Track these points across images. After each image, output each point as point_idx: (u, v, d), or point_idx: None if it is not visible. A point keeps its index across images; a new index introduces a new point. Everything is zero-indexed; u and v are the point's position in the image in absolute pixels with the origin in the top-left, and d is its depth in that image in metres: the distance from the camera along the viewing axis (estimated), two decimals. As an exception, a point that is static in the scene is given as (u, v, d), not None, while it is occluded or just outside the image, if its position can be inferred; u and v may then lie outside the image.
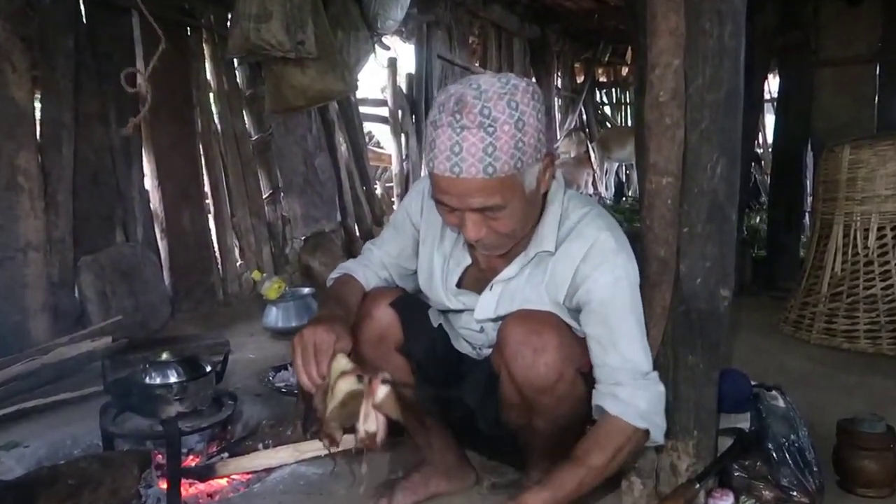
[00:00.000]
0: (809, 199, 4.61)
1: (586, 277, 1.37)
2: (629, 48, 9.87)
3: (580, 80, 9.79)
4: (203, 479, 1.95)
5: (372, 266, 1.64)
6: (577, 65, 9.81)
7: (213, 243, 3.99)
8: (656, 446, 1.48)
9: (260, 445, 2.08)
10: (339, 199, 4.69)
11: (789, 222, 4.19)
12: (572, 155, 8.92)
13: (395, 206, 5.48)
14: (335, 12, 3.74)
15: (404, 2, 4.24)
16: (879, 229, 2.85)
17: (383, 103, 5.49)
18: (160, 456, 1.97)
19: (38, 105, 3.08)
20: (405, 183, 5.43)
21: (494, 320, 1.49)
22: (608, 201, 8.39)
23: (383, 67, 5.34)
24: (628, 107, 10.49)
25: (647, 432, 1.34)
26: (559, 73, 9.00)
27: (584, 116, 9.77)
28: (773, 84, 6.44)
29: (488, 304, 1.49)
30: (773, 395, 1.69)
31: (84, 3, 3.26)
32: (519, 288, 1.46)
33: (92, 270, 3.16)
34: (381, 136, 6.51)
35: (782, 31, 4.00)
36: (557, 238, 1.41)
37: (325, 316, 1.37)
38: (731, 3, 1.47)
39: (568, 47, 9.16)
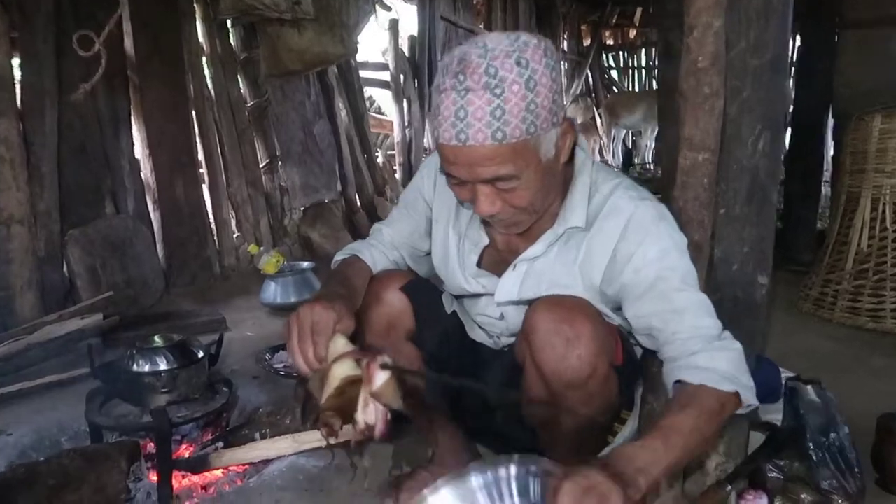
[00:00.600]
0: (828, 170, 4.44)
1: (631, 256, 1.23)
2: (638, 9, 9.58)
3: (587, 43, 9.52)
4: (196, 472, 1.83)
5: (381, 246, 1.51)
6: (583, 27, 9.53)
7: (208, 215, 3.84)
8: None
9: (257, 435, 1.96)
10: (339, 168, 4.52)
11: (807, 193, 4.03)
12: (578, 121, 8.71)
13: (397, 175, 5.31)
14: (333, -30, 3.52)
15: (406, -41, 4.01)
16: (910, 203, 2.70)
17: (384, 67, 5.28)
18: (150, 447, 1.85)
19: (17, 71, 2.90)
20: (408, 151, 5.26)
21: (517, 304, 1.36)
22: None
23: (384, 29, 5.13)
24: (636, 71, 10.22)
25: (736, 395, 1.14)
26: (565, 36, 8.74)
27: (591, 81, 9.51)
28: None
29: (511, 285, 1.35)
30: (811, 388, 1.55)
31: (65, -41, 3.06)
32: (547, 268, 1.32)
33: (80, 244, 3.02)
34: (383, 102, 6.29)
35: (804, -10, 3.78)
36: (588, 213, 1.27)
37: (325, 294, 1.25)
38: (781, -45, 1.30)
39: (574, 9, 8.88)
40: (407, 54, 5.38)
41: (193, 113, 3.74)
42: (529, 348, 1.29)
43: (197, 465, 1.84)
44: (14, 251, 2.76)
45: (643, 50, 10.18)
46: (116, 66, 3.16)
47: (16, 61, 2.88)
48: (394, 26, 5.15)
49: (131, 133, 3.44)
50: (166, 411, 1.76)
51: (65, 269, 3.02)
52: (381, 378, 1.04)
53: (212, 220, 3.87)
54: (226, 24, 3.90)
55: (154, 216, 3.56)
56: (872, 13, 3.67)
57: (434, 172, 1.46)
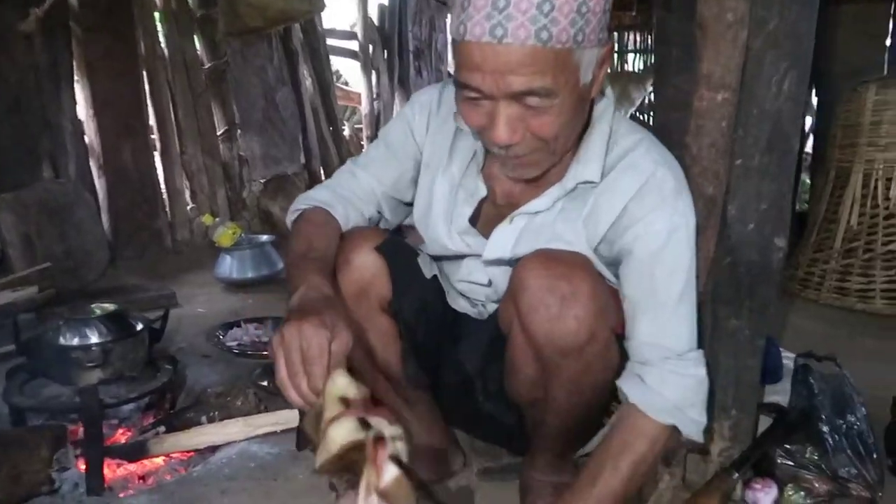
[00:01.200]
0: (809, 145, 4.35)
1: (637, 220, 1.07)
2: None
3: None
4: (133, 459, 1.61)
5: (356, 200, 1.26)
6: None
7: (159, 184, 3.58)
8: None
9: (204, 418, 1.74)
10: (302, 139, 4.26)
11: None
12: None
13: (364, 149, 5.08)
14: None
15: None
16: (903, 179, 2.58)
17: (352, 36, 5.04)
18: (80, 432, 1.62)
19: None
20: (376, 124, 5.02)
21: (508, 263, 1.16)
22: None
23: (353, -3, 4.88)
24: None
25: (675, 427, 1.07)
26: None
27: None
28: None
29: (504, 240, 1.15)
30: (825, 366, 1.40)
31: None
32: (547, 224, 1.13)
33: (13, 210, 2.73)
34: (349, 74, 6.04)
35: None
36: (604, 166, 1.09)
37: (311, 301, 0.96)
38: None
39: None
40: (376, 24, 5.14)
41: (144, 73, 3.46)
42: (517, 310, 1.10)
43: (133, 451, 1.62)
44: (-66, 215, 2.48)
45: (615, 34, 10.05)
46: (56, 14, 2.86)
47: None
48: (363, -6, 4.91)
49: (73, 91, 3.16)
50: (97, 390, 1.54)
51: (-6, 236, 2.74)
52: (389, 474, 0.78)
53: (164, 189, 3.60)
54: (181, -22, 3.62)
55: (99, 183, 3.28)
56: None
57: (428, 110, 1.25)
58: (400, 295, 1.23)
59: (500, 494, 1.40)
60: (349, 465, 0.81)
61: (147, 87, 3.49)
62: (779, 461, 1.35)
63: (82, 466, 1.52)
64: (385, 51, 5.14)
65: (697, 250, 1.20)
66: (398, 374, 1.30)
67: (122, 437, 1.72)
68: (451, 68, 6.30)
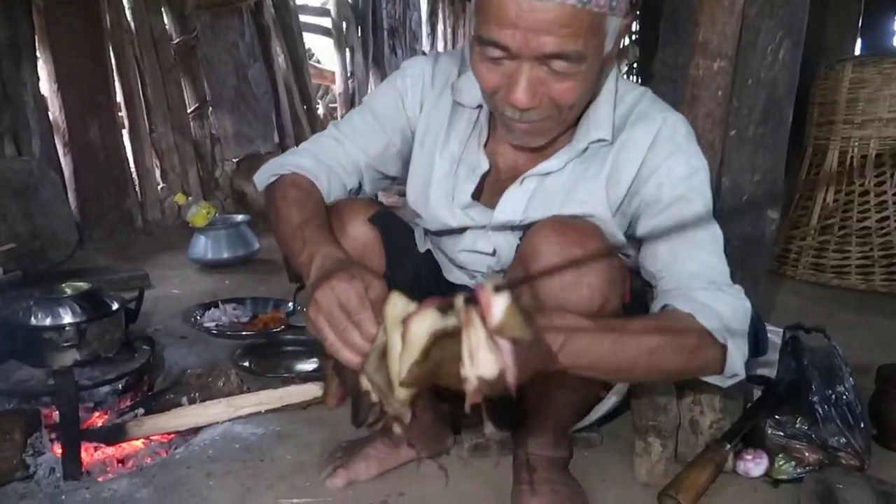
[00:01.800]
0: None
1: (657, 168, 1.05)
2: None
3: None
4: (111, 443, 1.56)
5: (339, 169, 1.21)
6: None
7: (128, 163, 3.47)
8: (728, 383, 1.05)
9: (184, 400, 1.69)
10: (276, 118, 4.17)
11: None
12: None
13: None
14: None
15: None
16: (878, 156, 2.62)
17: (326, 13, 4.93)
18: (56, 415, 1.56)
19: None
20: (350, 103, 4.94)
21: (518, 228, 1.13)
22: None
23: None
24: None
25: (722, 350, 0.96)
26: None
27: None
28: None
29: (516, 202, 1.12)
30: (813, 338, 1.41)
31: None
32: (560, 185, 1.11)
33: (-26, 189, 2.63)
34: (321, 52, 5.92)
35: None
36: (614, 124, 1.07)
37: (329, 263, 0.93)
38: None
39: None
40: (350, 1, 5.04)
41: (110, 47, 3.34)
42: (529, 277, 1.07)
43: (112, 435, 1.57)
44: None
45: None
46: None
47: None
48: (336, -31, 4.80)
49: (35, 65, 3.03)
50: (72, 372, 1.48)
51: (-44, 216, 2.63)
52: (500, 304, 0.70)
53: (133, 168, 3.49)
54: (147, -52, 3.49)
55: (64, 161, 3.17)
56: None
57: (422, 83, 1.20)
58: (393, 267, 1.19)
59: (491, 470, 1.39)
60: (434, 368, 0.75)
61: (114, 62, 3.36)
62: (769, 432, 1.35)
63: (58, 451, 1.46)
64: (359, 28, 5.05)
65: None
66: None
67: (98, 420, 1.67)
68: (426, 47, 6.22)
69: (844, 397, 1.35)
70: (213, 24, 3.73)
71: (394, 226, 1.22)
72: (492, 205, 1.16)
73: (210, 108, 3.82)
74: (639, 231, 1.09)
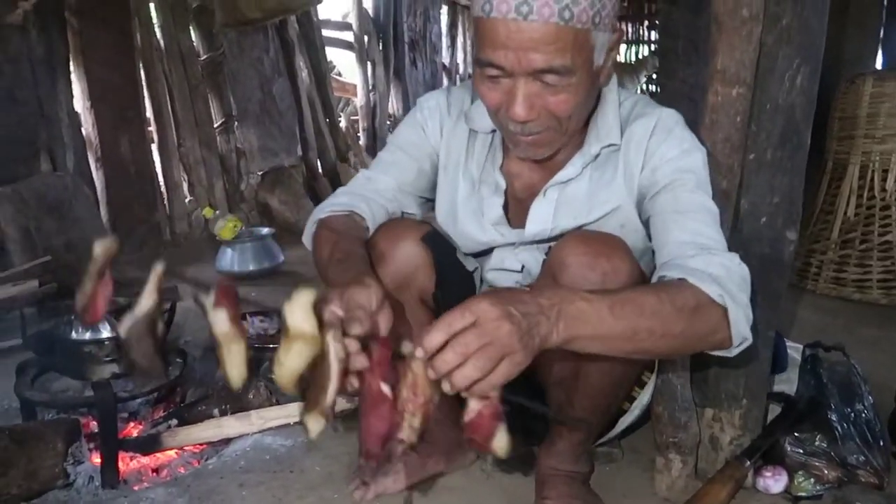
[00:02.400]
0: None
1: (653, 156, 1.13)
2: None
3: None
4: (146, 453, 1.62)
5: (378, 197, 1.26)
6: None
7: (157, 176, 3.55)
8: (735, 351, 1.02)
9: (216, 411, 1.75)
10: (299, 131, 4.25)
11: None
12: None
13: (361, 141, 5.06)
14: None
15: None
16: (899, 171, 2.62)
17: (347, 27, 5.01)
18: (93, 425, 1.62)
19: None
20: (372, 116, 5.01)
21: (548, 240, 1.19)
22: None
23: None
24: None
25: (723, 311, 0.94)
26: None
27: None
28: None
29: (544, 213, 1.19)
30: (832, 356, 1.43)
31: None
32: (581, 191, 1.18)
33: (12, 203, 2.71)
34: (343, 65, 6.01)
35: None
36: (621, 128, 1.16)
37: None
38: None
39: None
40: (371, 15, 5.11)
41: (140, 64, 3.43)
42: None
43: (147, 444, 1.63)
44: (-67, 209, 2.46)
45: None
46: (51, 6, 2.83)
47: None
48: (358, -16, 4.88)
49: (70, 82, 3.12)
50: (110, 384, 1.54)
51: (-6, 230, 2.72)
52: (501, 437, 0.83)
53: (161, 182, 3.57)
54: (177, -32, 3.58)
55: (97, 176, 3.26)
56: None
57: (439, 113, 1.28)
58: (443, 288, 1.23)
59: (514, 483, 1.42)
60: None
61: (143, 78, 3.45)
62: (789, 449, 1.37)
63: (96, 460, 1.52)
64: (380, 42, 5.12)
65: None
66: None
67: (133, 430, 1.73)
68: (446, 60, 6.28)
69: (864, 415, 1.37)
70: (240, 41, 3.81)
71: (444, 245, 1.27)
72: (515, 224, 1.22)
73: (236, 123, 3.90)
74: (643, 216, 1.15)
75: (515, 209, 1.23)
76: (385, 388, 0.84)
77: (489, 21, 0.97)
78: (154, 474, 1.60)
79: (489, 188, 1.24)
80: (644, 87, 7.82)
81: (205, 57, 3.76)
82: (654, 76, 6.90)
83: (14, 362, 1.74)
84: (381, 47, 5.11)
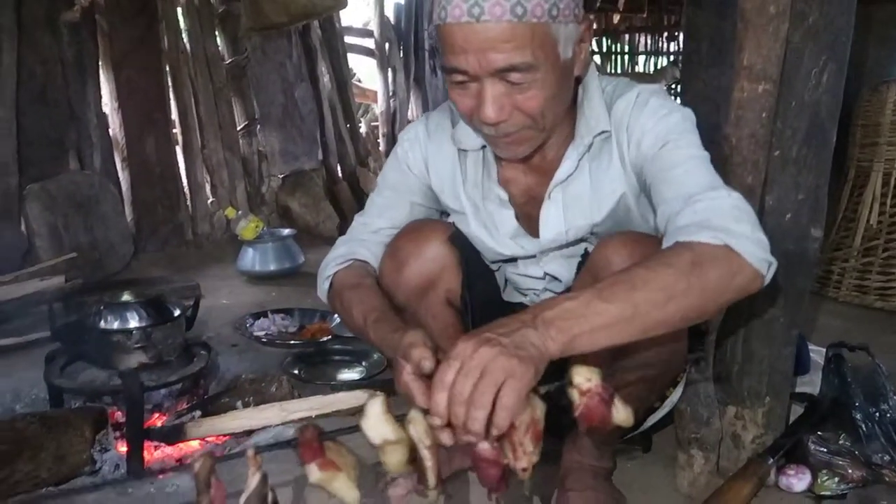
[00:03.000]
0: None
1: (634, 130, 1.12)
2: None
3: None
4: (171, 442, 1.64)
5: (373, 238, 1.28)
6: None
7: (181, 177, 3.60)
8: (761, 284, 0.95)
9: (239, 403, 1.77)
10: (320, 136, 4.29)
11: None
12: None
13: (381, 146, 5.10)
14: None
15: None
16: (923, 178, 2.60)
17: (368, 34, 5.06)
18: (119, 414, 1.65)
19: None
20: (392, 121, 5.04)
21: (565, 245, 1.19)
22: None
23: (368, -2, 4.90)
24: (619, 56, 10.12)
25: (726, 250, 0.90)
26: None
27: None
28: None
29: (554, 216, 1.19)
30: (857, 356, 1.43)
31: None
32: (583, 187, 1.17)
33: (41, 200, 2.77)
34: (363, 72, 6.06)
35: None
36: (610, 116, 1.15)
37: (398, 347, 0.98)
38: None
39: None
40: (392, 22, 5.16)
41: (167, 67, 3.49)
42: None
43: (171, 434, 1.64)
44: (-34, 203, 2.51)
45: (626, 35, 10.06)
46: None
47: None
48: (379, -8, 4.93)
49: (98, 84, 3.19)
50: (138, 373, 1.57)
51: (23, 226, 2.77)
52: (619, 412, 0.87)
53: (185, 183, 3.62)
54: (203, -26, 3.65)
55: (122, 175, 3.31)
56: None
57: (418, 144, 1.29)
58: (469, 287, 1.24)
59: (538, 475, 1.42)
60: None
61: (170, 81, 3.51)
62: (812, 448, 1.37)
63: (122, 448, 1.55)
64: (401, 49, 5.16)
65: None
66: None
67: (157, 421, 1.75)
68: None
69: (888, 415, 1.37)
70: (263, 46, 3.87)
71: (468, 245, 1.27)
72: (527, 232, 1.22)
73: (258, 126, 3.95)
74: (646, 193, 1.13)
75: (523, 217, 1.24)
76: (483, 447, 0.84)
77: (446, 27, 0.97)
78: (178, 463, 1.62)
79: (494, 203, 1.23)
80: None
81: (229, 61, 3.82)
82: (674, 86, 6.90)
83: (42, 353, 1.78)
84: (401, 54, 5.15)
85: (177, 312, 1.73)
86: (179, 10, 3.59)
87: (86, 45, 3.09)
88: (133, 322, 1.65)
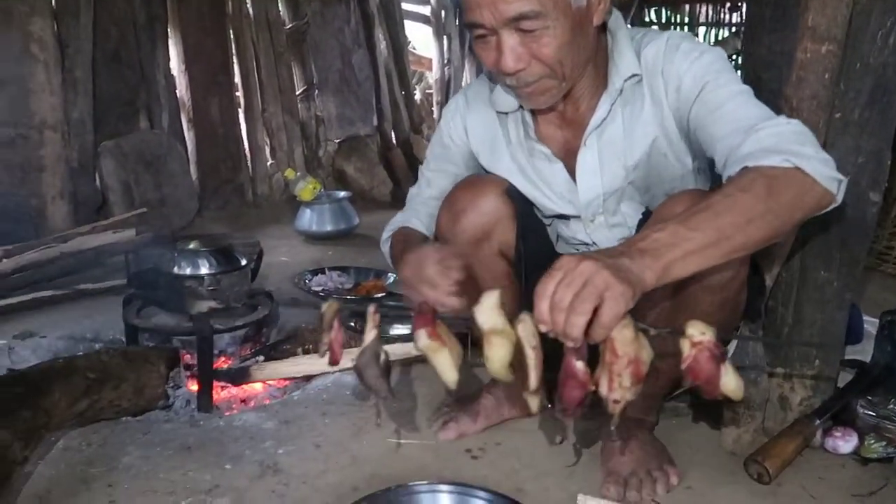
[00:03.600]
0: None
1: (670, 76, 1.15)
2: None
3: (629, -6, 9.12)
4: (237, 384, 1.75)
5: (427, 208, 1.37)
6: (626, -23, 9.12)
7: (242, 139, 3.71)
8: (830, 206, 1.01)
9: (299, 350, 1.87)
10: (376, 102, 4.36)
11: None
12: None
13: (434, 114, 5.14)
14: None
15: None
16: None
17: (425, 1, 5.07)
18: (189, 356, 1.76)
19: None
20: (446, 89, 5.07)
21: (604, 196, 1.24)
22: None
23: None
24: (678, 28, 9.82)
25: (795, 171, 0.94)
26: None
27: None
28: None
29: (589, 161, 1.23)
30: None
31: None
32: (617, 132, 1.20)
33: (114, 157, 2.92)
34: (418, 40, 6.07)
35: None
36: (638, 57, 1.18)
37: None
38: None
39: (620, -44, 8.49)
40: (449, -11, 5.16)
41: (231, 31, 3.59)
42: None
43: (238, 376, 1.76)
44: (46, 158, 2.67)
45: (686, 6, 9.76)
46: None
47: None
48: (436, -41, 4.93)
49: (167, 46, 3.31)
50: (209, 316, 1.67)
51: (97, 181, 2.93)
52: (729, 379, 0.87)
53: (246, 145, 3.74)
54: (266, -60, 3.71)
55: (188, 136, 3.44)
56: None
57: (458, 114, 1.35)
58: (523, 239, 1.29)
59: (581, 425, 1.47)
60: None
61: (233, 45, 3.62)
62: (860, 412, 1.38)
63: (193, 387, 1.66)
64: (457, 16, 5.16)
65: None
66: None
67: (222, 363, 1.86)
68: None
69: (941, 383, 1.36)
70: (323, 12, 3.93)
71: (522, 199, 1.31)
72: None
73: (316, 91, 4.03)
74: (692, 136, 1.15)
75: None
76: (577, 364, 0.87)
77: None
78: (243, 403, 1.72)
79: (540, 160, 1.27)
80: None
81: (290, 26, 3.90)
82: (735, 56, 6.68)
83: (117, 300, 1.89)
84: (457, 22, 5.15)
85: (244, 262, 1.83)
86: (243, -25, 3.67)
87: (156, 8, 3.20)
88: (204, 269, 1.75)
